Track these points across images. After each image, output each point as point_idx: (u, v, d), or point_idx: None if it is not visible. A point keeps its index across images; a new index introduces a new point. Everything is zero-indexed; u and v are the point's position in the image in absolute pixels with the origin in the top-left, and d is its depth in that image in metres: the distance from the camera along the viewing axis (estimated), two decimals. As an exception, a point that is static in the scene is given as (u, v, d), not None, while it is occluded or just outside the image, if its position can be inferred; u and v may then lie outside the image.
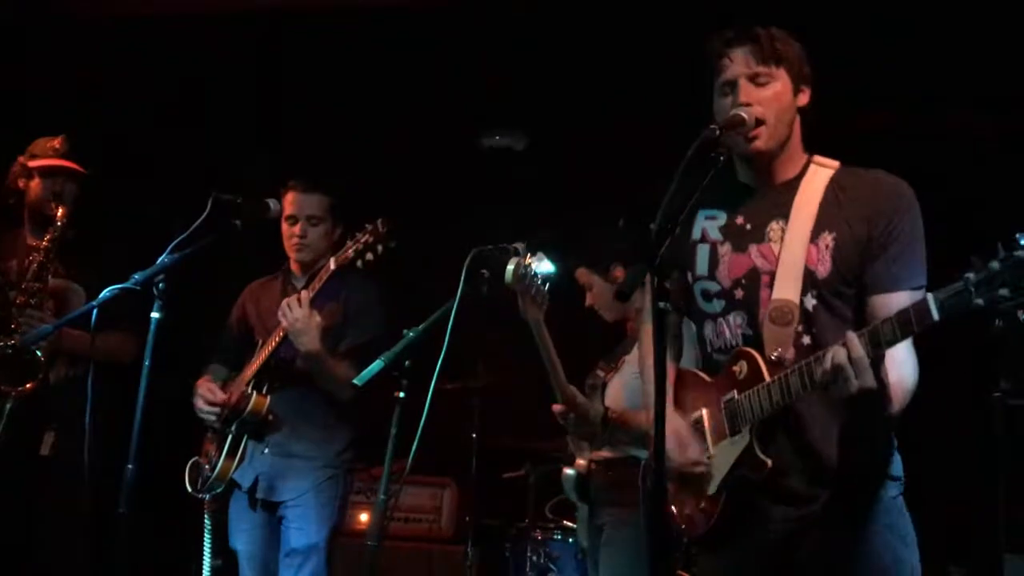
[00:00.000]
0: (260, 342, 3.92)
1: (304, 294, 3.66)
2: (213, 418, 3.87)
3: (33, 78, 5.19)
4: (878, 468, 2.39)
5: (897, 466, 2.42)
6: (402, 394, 3.18)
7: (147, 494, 3.20)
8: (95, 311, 3.30)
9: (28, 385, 3.80)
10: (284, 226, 3.98)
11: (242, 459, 3.85)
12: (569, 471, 3.85)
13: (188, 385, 3.94)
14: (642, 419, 3.14)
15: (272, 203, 3.72)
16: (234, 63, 5.49)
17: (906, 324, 2.02)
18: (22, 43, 5.11)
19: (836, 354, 2.10)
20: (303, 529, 3.76)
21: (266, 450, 3.84)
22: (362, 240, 3.53)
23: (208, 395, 3.87)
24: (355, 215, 3.94)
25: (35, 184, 4.09)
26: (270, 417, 3.81)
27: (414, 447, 3.00)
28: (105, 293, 3.29)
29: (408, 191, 5.58)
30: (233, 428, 3.83)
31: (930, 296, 1.96)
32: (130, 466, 3.10)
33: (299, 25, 5.26)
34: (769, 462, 2.33)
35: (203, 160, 5.61)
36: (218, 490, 3.86)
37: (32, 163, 4.11)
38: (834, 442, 2.35)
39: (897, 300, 2.21)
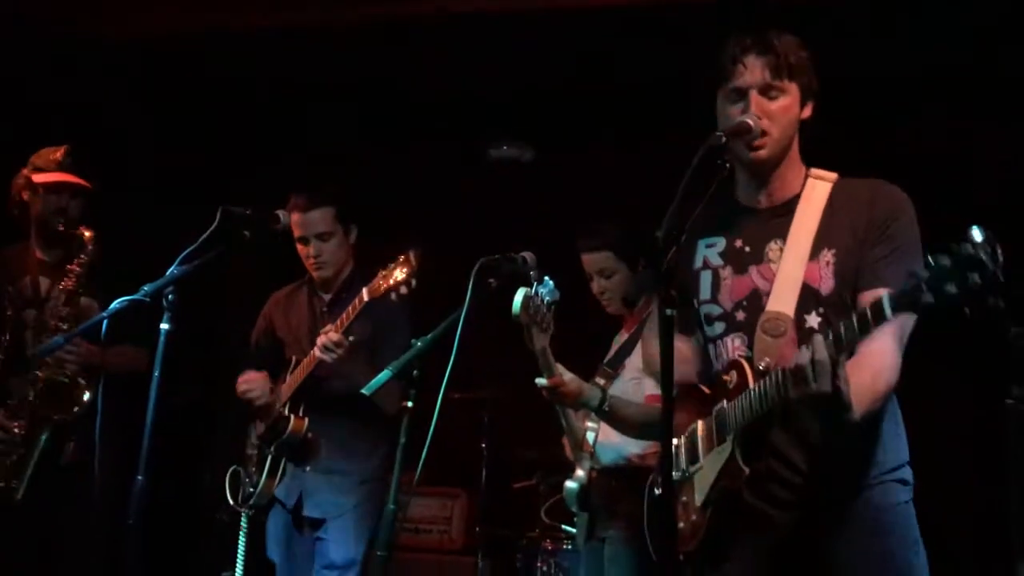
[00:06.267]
0: (293, 361, 3.97)
1: (334, 328, 3.66)
2: (258, 396, 3.95)
3: (38, 92, 5.20)
4: (873, 470, 2.35)
5: (906, 471, 2.41)
6: (410, 403, 3.16)
7: (157, 505, 3.20)
8: (105, 323, 3.31)
9: (75, 409, 3.85)
10: (298, 246, 4.01)
11: (282, 477, 3.92)
12: (571, 484, 3.75)
13: (198, 396, 3.95)
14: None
15: (282, 214, 3.71)
16: (239, 77, 5.52)
17: (863, 322, 2.02)
18: (27, 59, 5.12)
19: (799, 355, 2.08)
20: (342, 544, 3.81)
21: (307, 468, 3.91)
22: (394, 272, 3.51)
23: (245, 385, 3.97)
24: (363, 228, 4.03)
25: (40, 200, 4.03)
26: (309, 435, 3.88)
27: (423, 457, 2.98)
28: (115, 305, 3.28)
29: (415, 202, 5.60)
30: (272, 449, 3.91)
31: (884, 294, 1.96)
32: (140, 477, 3.09)
33: (305, 39, 5.29)
34: (747, 470, 2.29)
35: (211, 174, 5.63)
36: (260, 504, 3.95)
37: (37, 177, 4.03)
38: (821, 447, 2.30)
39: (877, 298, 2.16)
